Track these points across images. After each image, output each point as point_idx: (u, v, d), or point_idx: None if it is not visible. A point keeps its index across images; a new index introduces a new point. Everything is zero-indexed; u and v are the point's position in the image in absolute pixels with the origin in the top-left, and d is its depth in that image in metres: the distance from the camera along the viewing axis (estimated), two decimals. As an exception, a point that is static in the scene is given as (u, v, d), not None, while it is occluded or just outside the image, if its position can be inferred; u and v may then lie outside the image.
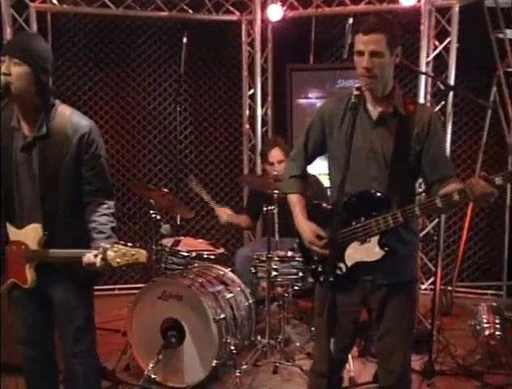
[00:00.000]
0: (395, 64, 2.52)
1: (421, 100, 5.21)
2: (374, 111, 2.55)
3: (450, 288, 5.42)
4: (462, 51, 5.40)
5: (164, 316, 3.81)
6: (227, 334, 3.79)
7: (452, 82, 5.34)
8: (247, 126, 6.16)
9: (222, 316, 3.77)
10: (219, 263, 4.38)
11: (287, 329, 4.45)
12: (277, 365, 4.05)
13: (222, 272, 4.26)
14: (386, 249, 2.49)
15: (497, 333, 4.08)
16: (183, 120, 6.11)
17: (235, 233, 6.36)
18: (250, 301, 4.20)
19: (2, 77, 2.52)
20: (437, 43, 5.46)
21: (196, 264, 4.29)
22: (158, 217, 4.31)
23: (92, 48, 5.92)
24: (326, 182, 4.25)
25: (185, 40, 5.13)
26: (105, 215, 2.69)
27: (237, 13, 5.99)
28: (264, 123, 6.18)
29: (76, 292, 2.75)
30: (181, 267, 4.23)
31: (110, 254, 2.50)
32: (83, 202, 2.71)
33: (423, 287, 5.69)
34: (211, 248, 4.59)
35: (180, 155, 5.84)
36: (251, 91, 6.10)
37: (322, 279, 2.67)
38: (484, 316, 4.17)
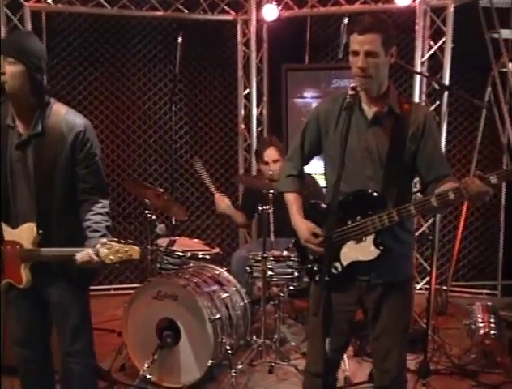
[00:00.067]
0: (390, 64, 2.52)
1: (416, 100, 5.22)
2: (369, 111, 2.56)
3: (445, 287, 5.43)
4: (457, 51, 5.41)
5: (160, 316, 3.80)
6: (222, 334, 3.79)
7: (447, 82, 5.35)
8: (242, 126, 6.16)
9: (217, 316, 3.76)
10: (214, 263, 4.38)
11: (282, 329, 4.45)
12: (272, 364, 4.05)
13: (217, 272, 4.26)
14: (382, 248, 2.50)
15: (492, 332, 4.09)
16: (178, 120, 6.10)
17: (230, 233, 6.36)
18: (246, 301, 4.20)
19: (-4, 76, 2.52)
20: (431, 43, 5.47)
21: (191, 264, 4.28)
22: (153, 217, 4.31)
23: (87, 47, 5.91)
24: (322, 182, 4.26)
25: (180, 39, 5.11)
26: (100, 214, 2.69)
27: (232, 13, 5.98)
28: (259, 123, 6.18)
29: (71, 292, 2.74)
30: (176, 267, 4.23)
31: (103, 251, 2.51)
32: (77, 200, 2.71)
33: (418, 286, 5.70)
34: (207, 248, 4.58)
35: (175, 154, 5.83)
36: (246, 91, 6.10)
37: (317, 278, 2.67)
38: (478, 315, 4.18)
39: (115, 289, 5.99)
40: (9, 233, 2.70)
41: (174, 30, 5.90)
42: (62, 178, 2.67)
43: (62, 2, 5.59)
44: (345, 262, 2.57)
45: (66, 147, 2.65)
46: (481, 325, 4.12)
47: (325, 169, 2.74)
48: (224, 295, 4.02)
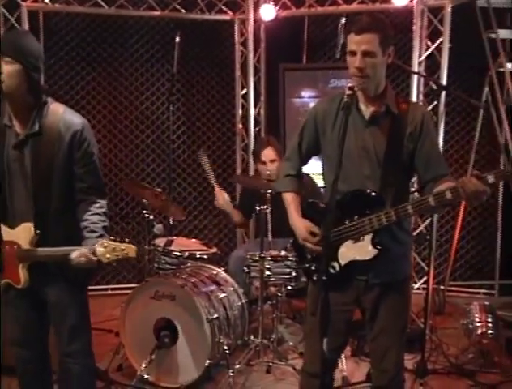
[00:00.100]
0: (388, 64, 2.53)
1: (414, 100, 5.22)
2: (367, 110, 2.56)
3: (442, 287, 5.44)
4: (454, 51, 5.41)
5: (157, 316, 3.80)
6: (220, 334, 3.79)
7: (444, 82, 5.35)
8: (240, 126, 6.16)
9: (215, 316, 3.76)
10: (212, 263, 4.38)
11: (280, 328, 4.46)
12: (270, 364, 4.05)
13: (215, 272, 4.26)
14: (379, 247, 2.50)
15: (490, 332, 4.10)
16: (176, 119, 6.10)
17: (228, 233, 6.36)
18: (243, 301, 4.20)
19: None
20: (429, 43, 5.47)
21: (189, 264, 4.28)
22: (151, 217, 4.30)
23: (85, 47, 5.90)
24: (319, 182, 4.26)
25: (177, 39, 5.11)
26: (97, 214, 2.68)
27: (230, 13, 5.98)
28: (257, 123, 6.18)
29: (69, 291, 2.74)
30: (173, 267, 4.23)
31: (100, 249, 2.51)
32: (75, 200, 2.70)
33: (416, 286, 5.70)
34: (204, 248, 4.58)
35: (173, 154, 5.83)
36: (244, 91, 6.10)
37: (315, 277, 2.67)
38: (476, 315, 4.19)
39: (112, 289, 5.98)
40: (7, 233, 2.69)
41: (172, 30, 5.89)
42: (60, 178, 2.66)
43: (60, 2, 5.58)
44: (343, 262, 2.57)
45: (64, 147, 2.64)
46: (479, 325, 4.13)
47: (323, 169, 2.74)
48: (222, 295, 4.02)
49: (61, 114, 2.68)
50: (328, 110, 2.64)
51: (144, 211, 4.30)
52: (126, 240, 2.56)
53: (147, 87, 6.12)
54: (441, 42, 5.41)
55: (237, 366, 3.94)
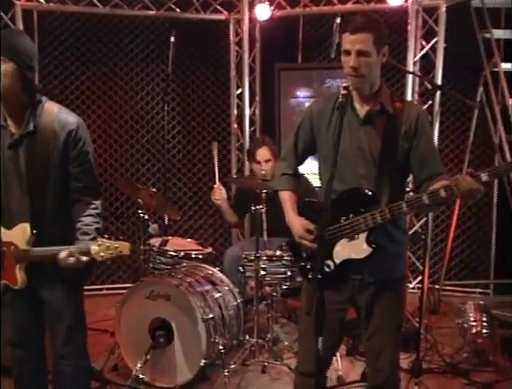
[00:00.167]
0: (382, 63, 2.53)
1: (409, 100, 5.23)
2: (362, 109, 2.56)
3: (437, 286, 5.45)
4: (449, 51, 5.43)
5: (152, 316, 3.80)
6: (215, 333, 3.78)
7: (439, 81, 5.36)
8: (235, 126, 6.15)
9: (210, 316, 3.76)
10: (207, 263, 4.38)
11: (275, 328, 4.46)
12: (265, 364, 4.05)
13: (210, 272, 4.25)
14: (374, 246, 2.50)
15: (484, 331, 4.11)
16: (171, 119, 6.09)
17: (223, 233, 6.35)
18: (239, 301, 4.20)
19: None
20: (424, 43, 5.48)
21: (184, 264, 4.28)
22: (146, 217, 4.30)
23: (79, 46, 5.89)
24: (315, 182, 4.26)
25: (172, 39, 5.10)
26: (91, 215, 2.68)
27: (225, 12, 5.98)
28: (252, 123, 6.18)
29: (65, 292, 2.73)
30: (169, 267, 4.22)
31: (94, 248, 2.51)
32: (70, 199, 2.70)
33: (411, 285, 5.72)
34: (199, 248, 4.58)
35: (168, 154, 5.82)
36: (239, 91, 6.10)
37: (310, 276, 2.67)
38: (471, 314, 4.19)
39: (107, 289, 5.97)
40: (3, 234, 2.68)
41: (167, 29, 5.87)
42: (55, 177, 2.66)
43: (54, 1, 5.56)
44: (338, 261, 2.57)
45: (59, 146, 2.64)
46: (473, 324, 4.14)
47: (319, 169, 2.74)
48: (217, 295, 4.02)
49: (55, 113, 2.67)
50: (323, 110, 2.65)
51: (139, 211, 4.29)
52: (120, 238, 2.56)
53: (141, 87, 6.11)
54: (436, 42, 5.43)
55: (233, 366, 3.94)
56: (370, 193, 2.52)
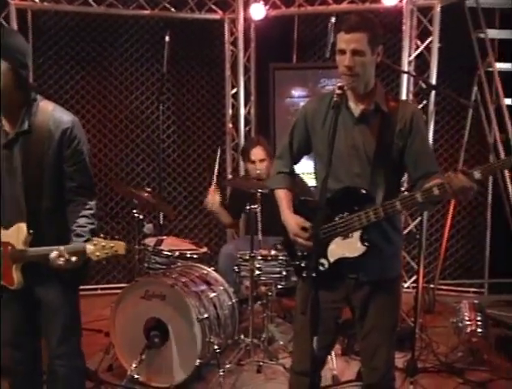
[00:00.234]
0: (377, 63, 2.53)
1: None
2: (356, 108, 2.57)
3: (432, 285, 5.46)
4: (443, 51, 5.44)
5: (147, 316, 3.79)
6: (210, 333, 3.78)
7: (434, 81, 5.38)
8: (230, 125, 6.15)
9: (205, 315, 3.76)
10: (202, 263, 4.37)
11: (270, 328, 4.45)
12: (261, 364, 4.04)
13: (205, 271, 4.25)
14: (367, 244, 2.50)
15: (479, 330, 4.11)
16: (166, 119, 6.09)
17: (218, 232, 6.35)
18: (234, 301, 4.19)
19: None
20: (418, 42, 5.50)
21: (179, 263, 4.27)
22: (141, 216, 4.29)
23: (74, 46, 5.88)
24: (310, 182, 4.27)
25: (167, 38, 5.11)
26: (85, 216, 2.66)
27: (220, 12, 5.98)
28: (247, 122, 6.18)
29: (61, 292, 2.72)
30: (164, 267, 4.22)
31: (89, 247, 2.50)
32: (65, 199, 2.69)
33: (405, 285, 5.73)
34: (194, 247, 4.57)
35: (163, 154, 5.82)
36: (234, 91, 6.10)
37: (304, 275, 2.67)
38: (465, 313, 4.20)
39: (102, 289, 5.96)
40: (2, 235, 2.67)
41: (161, 29, 5.87)
42: (50, 176, 2.64)
43: (48, 1, 5.56)
44: (332, 259, 2.57)
45: (54, 145, 2.62)
46: (468, 323, 4.15)
47: (315, 168, 2.74)
48: (212, 294, 4.02)
49: (50, 112, 2.66)
50: (318, 109, 2.65)
51: (134, 211, 4.28)
52: (116, 237, 2.55)
53: (136, 87, 6.11)
54: (431, 42, 5.45)
55: (228, 366, 3.94)
56: (364, 191, 2.52)
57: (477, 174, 2.27)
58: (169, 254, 4.26)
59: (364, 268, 2.56)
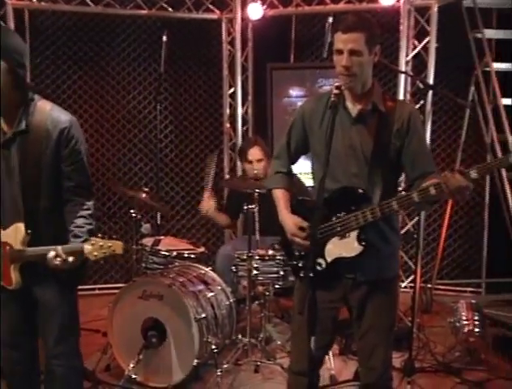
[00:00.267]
0: (374, 63, 2.54)
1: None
2: (354, 108, 2.57)
3: (429, 285, 5.47)
4: (441, 51, 5.45)
5: (145, 316, 3.79)
6: (208, 333, 3.78)
7: (431, 81, 5.38)
8: (228, 125, 6.15)
9: (203, 315, 3.76)
10: (199, 262, 4.37)
11: (268, 328, 4.45)
12: (258, 363, 4.05)
13: (203, 271, 4.25)
14: (364, 244, 2.50)
15: (476, 330, 4.12)
16: (163, 119, 6.09)
17: (216, 232, 6.35)
18: (231, 300, 4.19)
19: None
20: (416, 42, 5.50)
21: (177, 263, 4.27)
22: (138, 216, 4.29)
23: (71, 46, 5.87)
24: (307, 182, 4.27)
25: (164, 38, 5.10)
26: (83, 217, 2.66)
27: (217, 11, 5.97)
28: (245, 122, 6.17)
29: (58, 291, 2.71)
30: (161, 267, 4.22)
31: (87, 247, 2.49)
32: (63, 199, 2.68)
33: (403, 285, 5.73)
34: (192, 247, 4.57)
35: (160, 153, 5.81)
36: (231, 90, 6.09)
37: (302, 275, 2.67)
38: (463, 313, 4.21)
39: (100, 289, 5.96)
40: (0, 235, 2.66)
41: (159, 28, 5.87)
42: (48, 176, 2.64)
43: (45, 0, 5.54)
44: (329, 259, 2.57)
45: (51, 144, 2.61)
46: (465, 323, 4.15)
47: (312, 168, 2.75)
48: (210, 294, 4.02)
49: (48, 111, 2.65)
50: (315, 109, 2.65)
51: (132, 211, 4.28)
52: (114, 237, 2.55)
53: (134, 86, 6.10)
54: (428, 42, 5.45)
55: (225, 366, 3.94)
56: (361, 191, 2.52)
57: (474, 174, 2.27)
58: (167, 254, 4.26)
59: (362, 268, 2.56)
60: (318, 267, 2.56)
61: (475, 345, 4.14)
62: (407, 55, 5.49)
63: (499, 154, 5.08)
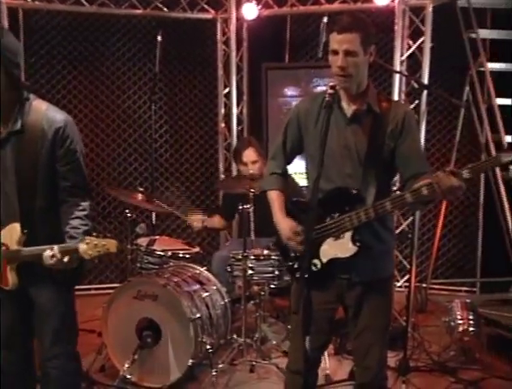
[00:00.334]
0: (369, 63, 2.54)
1: (395, 99, 5.25)
2: (349, 109, 2.57)
3: (424, 285, 5.47)
4: (435, 50, 5.47)
5: (140, 316, 3.78)
6: (203, 333, 3.78)
7: (426, 81, 5.39)
8: (222, 125, 6.15)
9: (198, 315, 3.75)
10: (194, 262, 4.37)
11: (263, 327, 4.45)
12: (253, 363, 4.04)
13: (198, 271, 4.25)
14: (359, 244, 2.51)
15: (471, 329, 4.13)
16: (158, 118, 6.08)
17: (211, 233, 6.34)
18: (226, 300, 4.19)
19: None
20: (410, 42, 5.52)
21: (172, 263, 4.27)
22: (133, 216, 4.28)
23: (66, 46, 5.86)
24: (301, 182, 4.27)
25: (159, 38, 5.10)
26: (79, 218, 2.64)
27: (212, 11, 5.97)
28: (240, 122, 6.18)
29: (55, 292, 2.70)
30: (156, 267, 4.21)
31: (82, 246, 2.48)
32: (59, 198, 2.67)
33: (398, 284, 5.74)
34: (187, 247, 4.57)
35: (155, 153, 5.81)
36: (226, 90, 6.10)
37: (297, 275, 2.68)
38: (457, 312, 4.22)
39: (95, 289, 5.95)
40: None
41: (154, 28, 5.87)
42: (44, 176, 2.62)
43: (40, 0, 5.53)
44: (324, 259, 2.58)
45: (47, 144, 2.60)
46: (460, 322, 4.16)
47: (306, 168, 2.75)
48: (205, 294, 4.02)
49: (44, 111, 2.64)
50: (310, 109, 2.65)
51: (126, 211, 4.27)
52: (108, 235, 2.54)
53: (128, 86, 6.09)
54: (423, 42, 5.46)
55: (220, 366, 3.94)
56: (355, 192, 2.52)
57: (466, 173, 2.28)
58: (162, 253, 4.26)
59: (357, 268, 2.56)
60: (314, 268, 2.57)
61: (470, 344, 4.15)
62: (401, 55, 5.50)
63: (494, 153, 5.09)
